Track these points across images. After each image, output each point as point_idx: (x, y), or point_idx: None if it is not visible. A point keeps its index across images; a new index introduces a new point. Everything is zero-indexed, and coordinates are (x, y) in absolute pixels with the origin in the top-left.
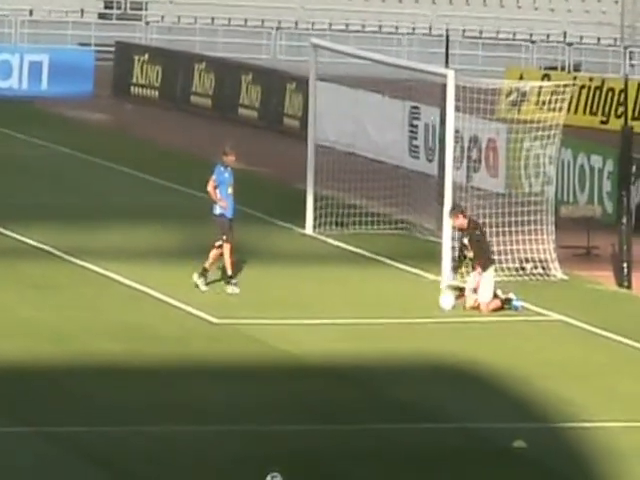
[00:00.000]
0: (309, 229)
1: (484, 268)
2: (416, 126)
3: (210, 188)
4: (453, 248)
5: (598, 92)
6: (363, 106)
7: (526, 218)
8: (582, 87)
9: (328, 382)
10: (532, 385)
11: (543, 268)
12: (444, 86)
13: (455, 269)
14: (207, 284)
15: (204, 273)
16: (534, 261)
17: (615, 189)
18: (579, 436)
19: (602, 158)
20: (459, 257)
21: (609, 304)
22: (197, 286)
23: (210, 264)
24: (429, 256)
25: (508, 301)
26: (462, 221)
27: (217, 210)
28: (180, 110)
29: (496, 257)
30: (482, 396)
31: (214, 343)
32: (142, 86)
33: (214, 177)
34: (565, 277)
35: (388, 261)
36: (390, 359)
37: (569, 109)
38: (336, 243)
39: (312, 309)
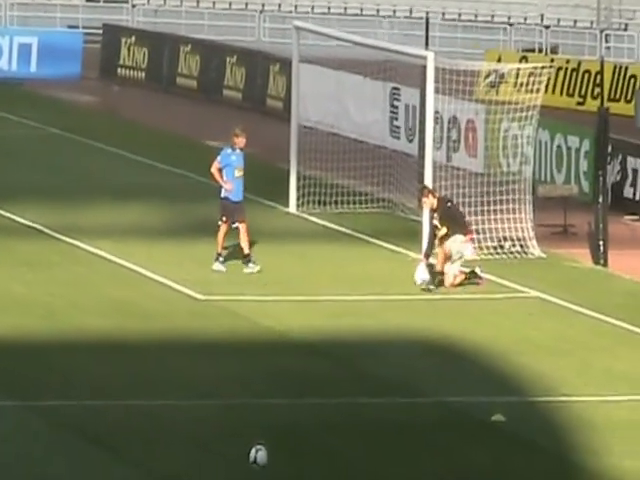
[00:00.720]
0: (292, 208)
1: (464, 234)
2: (397, 107)
3: (213, 169)
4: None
5: (575, 74)
6: (345, 87)
7: (504, 197)
8: (559, 69)
9: (309, 357)
10: (510, 360)
11: (521, 246)
12: (424, 68)
13: (427, 256)
14: (223, 263)
15: (218, 257)
16: (512, 239)
17: (591, 169)
18: (556, 409)
19: (579, 138)
20: (429, 242)
21: (586, 281)
22: (218, 271)
23: (221, 246)
24: (410, 234)
25: (473, 274)
26: (432, 200)
27: (222, 193)
28: (166, 91)
29: (475, 236)
30: (461, 371)
31: (198, 319)
32: (129, 68)
33: (219, 159)
34: (543, 255)
35: (370, 239)
36: (370, 335)
37: (546, 90)
38: (319, 221)
39: (295, 286)
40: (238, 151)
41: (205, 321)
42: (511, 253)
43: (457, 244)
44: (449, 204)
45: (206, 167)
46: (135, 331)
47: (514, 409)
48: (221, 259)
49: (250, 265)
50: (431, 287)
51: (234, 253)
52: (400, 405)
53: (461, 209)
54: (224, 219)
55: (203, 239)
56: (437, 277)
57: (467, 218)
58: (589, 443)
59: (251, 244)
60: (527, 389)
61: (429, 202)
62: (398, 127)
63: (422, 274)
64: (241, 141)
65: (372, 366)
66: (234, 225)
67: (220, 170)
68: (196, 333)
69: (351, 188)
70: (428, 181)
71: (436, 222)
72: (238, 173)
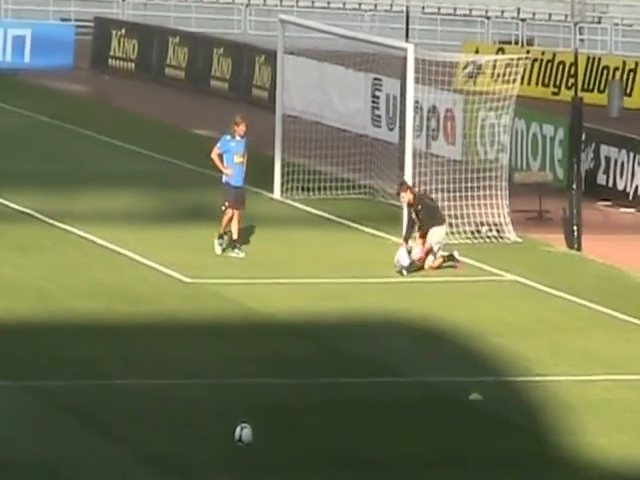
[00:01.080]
0: (277, 194)
1: (425, 232)
2: (378, 97)
3: (213, 155)
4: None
5: (550, 65)
6: (328, 78)
7: (481, 184)
8: (535, 60)
9: (293, 338)
10: (487, 341)
11: (498, 231)
12: (404, 59)
13: (406, 240)
14: (221, 245)
15: (221, 237)
16: (489, 224)
17: (566, 156)
18: (531, 389)
19: (553, 127)
20: (408, 227)
21: (560, 265)
22: (214, 249)
23: (223, 229)
24: (391, 219)
25: (451, 257)
26: (409, 196)
27: (223, 178)
28: (155, 82)
29: (453, 221)
30: (439, 351)
31: (186, 301)
32: (119, 59)
33: (218, 145)
34: (519, 239)
35: (352, 224)
36: (352, 317)
37: (522, 81)
38: (303, 207)
39: (280, 270)
40: (238, 138)
41: (193, 304)
42: (488, 238)
43: (436, 237)
44: (420, 206)
45: (194, 154)
46: (125, 313)
47: (491, 388)
48: (220, 240)
49: (236, 250)
50: (404, 272)
51: (213, 239)
52: (381, 385)
53: (439, 195)
54: (227, 204)
55: (191, 224)
56: (416, 263)
57: (445, 203)
58: (564, 422)
59: (241, 232)
60: (503, 369)
61: (406, 197)
62: (379, 116)
63: (402, 259)
64: (241, 129)
65: (354, 347)
66: (222, 208)
67: (220, 156)
68: (184, 315)
69: (334, 175)
70: (408, 168)
71: (414, 216)
72: (237, 159)
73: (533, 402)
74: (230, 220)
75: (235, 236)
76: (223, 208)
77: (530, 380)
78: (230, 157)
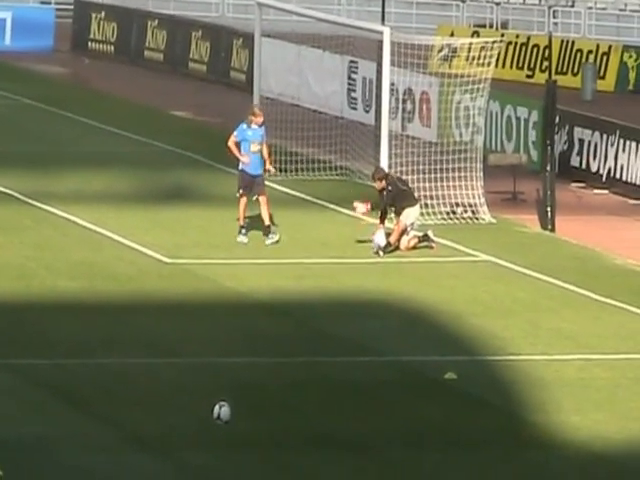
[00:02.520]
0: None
1: (399, 214)
2: (354, 79)
3: (230, 143)
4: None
5: (524, 48)
6: (305, 61)
7: (457, 165)
8: (509, 43)
9: (272, 317)
10: (462, 321)
11: (473, 212)
12: (380, 42)
13: (382, 220)
14: (246, 235)
15: (241, 229)
16: (464, 205)
17: (540, 138)
18: (506, 368)
19: (528, 109)
20: (382, 210)
21: (534, 245)
22: (242, 242)
23: (242, 218)
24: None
25: (425, 237)
26: (382, 184)
27: (239, 165)
28: (134, 64)
29: (428, 202)
30: (415, 331)
31: (166, 281)
32: (99, 41)
33: (235, 133)
34: (493, 220)
35: (329, 205)
36: (330, 297)
37: (497, 64)
38: (280, 188)
39: (258, 250)
40: (255, 126)
41: (172, 283)
42: (463, 218)
43: (410, 217)
44: (390, 187)
45: (172, 136)
46: (105, 293)
47: (466, 368)
48: (243, 231)
49: (270, 235)
50: (381, 253)
51: (192, 220)
52: (357, 364)
53: (415, 176)
54: (241, 191)
55: (171, 205)
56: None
57: (420, 184)
58: (538, 400)
59: (271, 216)
60: (478, 348)
61: (379, 186)
62: (355, 98)
63: (378, 239)
64: (258, 120)
65: (331, 326)
66: (253, 198)
67: (238, 144)
68: (163, 295)
69: (311, 156)
70: (384, 149)
71: (385, 199)
72: (254, 147)
73: (508, 381)
74: (245, 207)
75: (267, 222)
76: (237, 195)
77: (505, 359)
78: (247, 145)
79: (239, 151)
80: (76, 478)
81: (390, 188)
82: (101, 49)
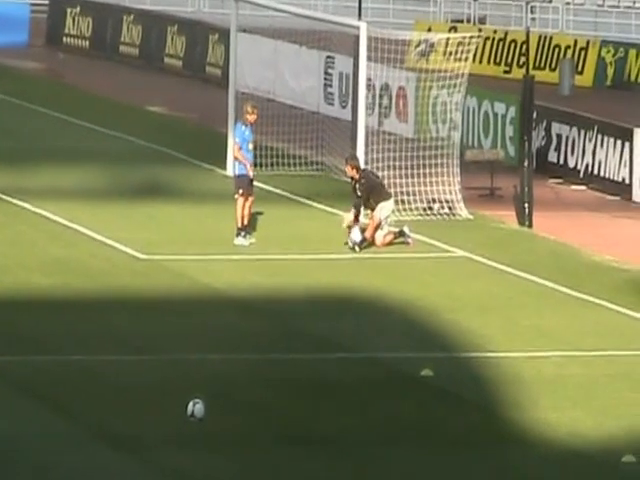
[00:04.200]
0: (230, 171)
1: (372, 209)
2: (331, 74)
3: (237, 153)
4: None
5: (501, 43)
6: (282, 56)
7: (433, 161)
8: (487, 39)
9: (246, 314)
10: (439, 317)
11: (449, 208)
12: (357, 37)
13: (356, 217)
14: (245, 237)
15: (240, 232)
16: (441, 201)
17: (517, 134)
18: (483, 365)
19: (505, 105)
20: (356, 205)
21: (511, 242)
22: (242, 245)
23: (240, 221)
24: (343, 196)
25: (401, 233)
26: (354, 172)
27: (240, 170)
28: (109, 59)
29: (405, 198)
30: (390, 328)
31: (139, 277)
32: (74, 36)
33: (237, 140)
34: (470, 216)
35: (304, 200)
36: (305, 293)
37: (474, 59)
38: (256, 184)
39: (233, 246)
40: (249, 126)
41: (146, 279)
42: (440, 214)
43: (384, 211)
44: (363, 180)
45: (147, 131)
46: (79, 289)
47: (442, 365)
48: (243, 233)
49: (247, 237)
50: (357, 249)
51: (167, 216)
52: (331, 361)
53: (391, 172)
54: (240, 191)
55: (145, 201)
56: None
57: (397, 180)
58: (516, 398)
59: (251, 219)
60: (455, 345)
61: (351, 172)
62: (332, 94)
63: (354, 235)
64: (253, 118)
65: (304, 323)
66: (235, 196)
67: (239, 149)
68: (137, 291)
69: (287, 151)
70: (360, 145)
71: (359, 192)
72: (251, 146)
73: (485, 378)
74: (244, 209)
75: (246, 222)
76: (236, 196)
77: (482, 356)
78: (246, 146)
79: (244, 157)
80: (45, 478)
81: (363, 181)
82: (76, 44)
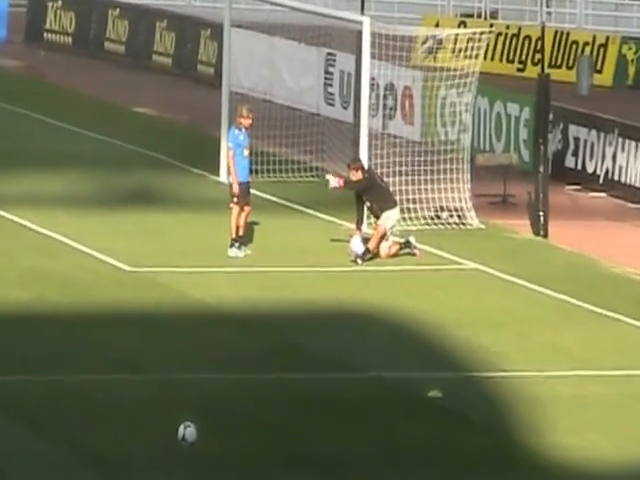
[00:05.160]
0: (223, 177)
1: (377, 216)
2: (332, 73)
3: (231, 162)
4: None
5: (515, 40)
6: (278, 53)
7: (442, 166)
8: (499, 34)
9: (241, 330)
10: (448, 333)
11: (459, 217)
12: (360, 33)
13: (358, 223)
14: (240, 248)
15: (234, 242)
16: (450, 210)
17: (532, 137)
18: (495, 385)
19: (519, 106)
20: (359, 212)
21: (525, 253)
22: (237, 257)
23: (235, 231)
24: (344, 204)
25: (407, 243)
26: (359, 176)
27: (236, 177)
28: (93, 57)
29: (411, 206)
30: (396, 345)
31: (127, 291)
32: (55, 32)
33: (230, 145)
34: (481, 226)
35: (303, 209)
36: (304, 308)
37: (485, 57)
38: (251, 191)
39: (226, 257)
40: (244, 130)
41: (133, 293)
42: (449, 224)
43: (389, 220)
44: (366, 175)
45: (134, 134)
46: (61, 303)
47: (452, 385)
48: (237, 244)
49: (242, 248)
50: (359, 261)
51: (156, 225)
52: (334, 380)
53: (397, 179)
54: (235, 200)
55: (132, 209)
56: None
57: (403, 187)
58: (531, 420)
59: (247, 228)
60: (465, 364)
61: (356, 176)
62: (333, 94)
63: (355, 246)
64: (248, 122)
65: (305, 340)
66: (230, 205)
67: (233, 157)
68: (124, 305)
69: (284, 157)
70: (363, 149)
71: (365, 198)
72: (246, 152)
73: (497, 399)
74: (239, 218)
75: (241, 232)
76: (231, 205)
77: (494, 376)
78: (240, 152)
79: (234, 166)
80: None
81: (367, 176)
82: (58, 40)
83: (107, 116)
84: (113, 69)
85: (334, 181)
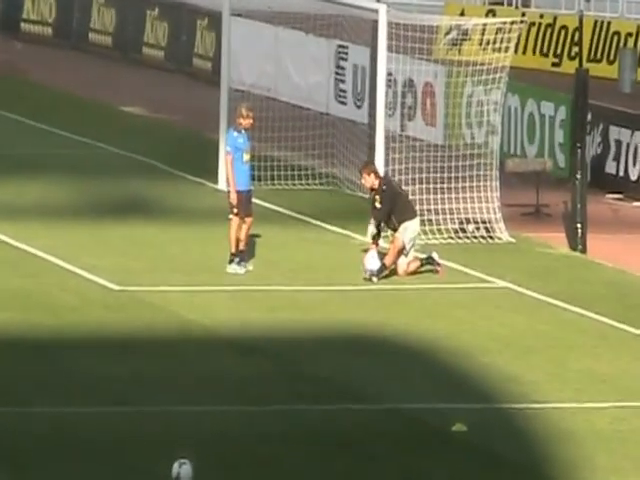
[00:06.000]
0: (222, 184)
1: (394, 229)
2: (343, 68)
3: (229, 166)
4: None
5: (549, 30)
6: (284, 45)
7: (467, 173)
8: (531, 24)
9: (240, 356)
10: (474, 360)
11: (487, 229)
12: (375, 23)
13: (374, 238)
14: (240, 264)
15: (234, 258)
16: (476, 222)
17: (568, 140)
18: (527, 418)
19: (554, 105)
20: (375, 217)
21: (561, 270)
22: (237, 274)
23: (235, 245)
24: (358, 214)
25: (428, 259)
26: (372, 181)
27: (236, 185)
28: (77, 49)
29: (433, 217)
30: (416, 373)
31: (114, 312)
32: (34, 22)
33: (228, 149)
34: (512, 239)
35: (312, 220)
36: (311, 331)
37: (516, 49)
38: (253, 200)
39: (224, 275)
40: (243, 132)
41: (121, 315)
42: (475, 237)
43: (408, 232)
44: (385, 187)
45: (122, 137)
46: (39, 326)
47: (478, 417)
48: (237, 259)
49: (242, 264)
50: (374, 279)
51: (147, 238)
52: (345, 412)
53: (417, 187)
54: (235, 211)
55: (120, 220)
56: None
57: (423, 196)
58: (568, 456)
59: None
60: (493, 394)
61: (369, 181)
62: (344, 91)
63: (370, 263)
64: (248, 123)
65: (313, 367)
66: (229, 216)
67: (231, 162)
68: (111, 329)
69: (290, 161)
70: (379, 153)
71: (378, 205)
72: (247, 157)
73: (529, 433)
74: (239, 231)
75: (242, 247)
76: (230, 216)
77: (526, 407)
78: (240, 156)
79: (233, 172)
80: None
81: (385, 188)
82: (36, 31)
83: (92, 117)
84: (98, 63)
85: (373, 262)
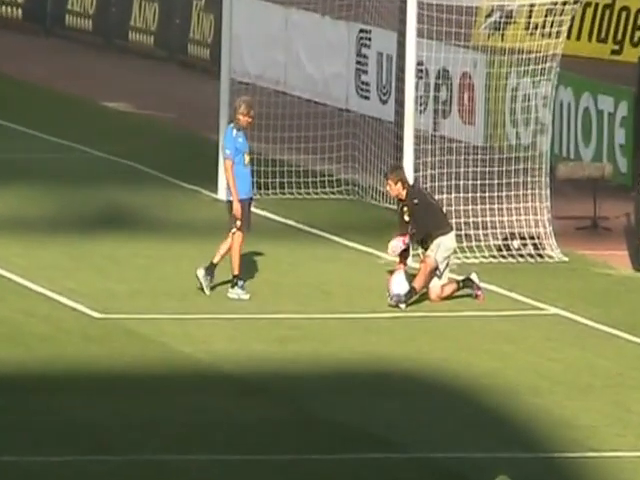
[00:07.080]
0: (222, 193)
1: (425, 246)
2: (366, 56)
3: (230, 172)
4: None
5: (608, 12)
6: (295, 30)
7: (512, 180)
8: (587, 5)
9: (244, 397)
10: (520, 401)
11: (535, 246)
12: (403, 3)
13: (403, 260)
14: (212, 287)
15: (237, 280)
16: (523, 237)
17: (631, 140)
18: (582, 468)
19: (613, 100)
20: (410, 237)
21: (623, 294)
22: (201, 287)
23: (238, 265)
24: (383, 229)
25: (467, 282)
26: (399, 190)
27: (239, 194)
28: (52, 35)
29: (472, 232)
30: (451, 416)
31: (95, 344)
32: (2, 3)
33: (227, 152)
34: (564, 258)
35: (328, 236)
36: (328, 367)
37: (570, 35)
38: (258, 212)
39: (224, 299)
40: (242, 131)
41: (103, 347)
42: (521, 255)
43: (442, 250)
44: (414, 198)
45: (105, 137)
46: (10, 360)
47: (524, 468)
48: (240, 283)
49: (237, 290)
50: (402, 306)
51: (133, 257)
52: (367, 461)
53: (452, 196)
54: (238, 224)
55: (101, 236)
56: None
57: (460, 207)
58: None
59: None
60: (543, 441)
61: (395, 190)
62: (367, 83)
63: (396, 286)
64: (246, 120)
65: (329, 410)
66: (232, 230)
67: (232, 167)
68: (92, 363)
69: (303, 166)
70: (408, 156)
71: (407, 218)
72: (248, 158)
73: None
74: (241, 249)
75: (216, 260)
76: (233, 230)
77: (581, 456)
78: (241, 159)
79: (234, 178)
80: None
81: (415, 201)
82: (5, 14)
83: (70, 114)
84: (78, 51)
85: (398, 245)
